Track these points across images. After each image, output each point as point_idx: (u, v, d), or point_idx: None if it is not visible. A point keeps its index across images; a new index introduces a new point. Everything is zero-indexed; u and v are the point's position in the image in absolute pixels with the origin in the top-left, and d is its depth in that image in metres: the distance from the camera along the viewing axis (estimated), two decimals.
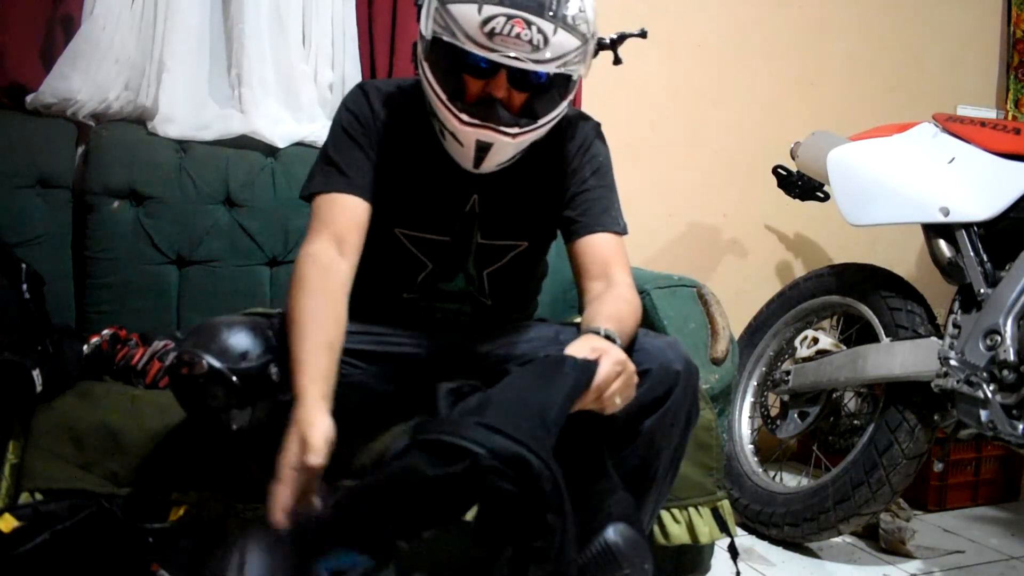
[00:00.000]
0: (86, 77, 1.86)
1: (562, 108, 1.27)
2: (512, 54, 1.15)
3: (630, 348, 1.22)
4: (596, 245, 1.34)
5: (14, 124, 1.84)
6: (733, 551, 1.52)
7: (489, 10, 1.14)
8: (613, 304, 1.24)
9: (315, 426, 1.04)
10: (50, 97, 1.85)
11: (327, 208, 1.29)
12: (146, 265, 1.86)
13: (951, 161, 1.90)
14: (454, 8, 1.16)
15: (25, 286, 1.57)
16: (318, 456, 1.01)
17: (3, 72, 1.84)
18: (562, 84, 1.25)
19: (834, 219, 2.06)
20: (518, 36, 1.14)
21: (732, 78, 2.62)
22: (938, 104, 2.61)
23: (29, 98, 1.85)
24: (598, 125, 1.44)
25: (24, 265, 1.60)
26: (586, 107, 2.30)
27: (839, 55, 2.75)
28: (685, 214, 2.60)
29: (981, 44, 2.99)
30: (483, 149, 1.23)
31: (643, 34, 1.39)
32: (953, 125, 1.97)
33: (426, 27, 1.21)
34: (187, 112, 1.95)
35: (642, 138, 2.51)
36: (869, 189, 1.96)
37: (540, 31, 1.15)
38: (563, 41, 1.17)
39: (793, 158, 2.26)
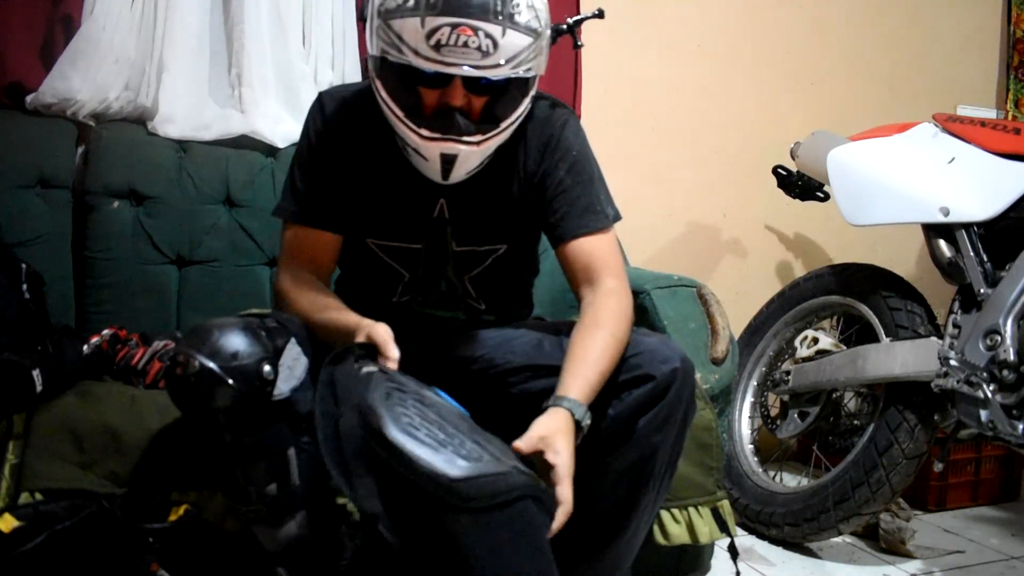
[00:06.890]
0: (86, 77, 1.86)
1: (524, 106, 1.24)
2: (463, 63, 1.11)
3: (618, 369, 1.20)
4: (578, 250, 1.30)
5: (14, 124, 1.84)
6: (733, 551, 1.52)
7: (432, 21, 1.09)
8: (598, 340, 1.19)
9: (375, 326, 1.12)
10: (50, 97, 1.85)
11: (302, 238, 1.33)
12: (146, 265, 1.86)
13: (951, 161, 1.90)
14: (397, 23, 1.12)
15: (25, 286, 1.57)
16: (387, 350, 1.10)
17: (3, 72, 1.84)
18: (521, 83, 1.21)
19: (834, 219, 2.06)
20: (466, 44, 1.10)
21: (732, 78, 2.62)
22: (938, 104, 2.60)
23: (29, 98, 1.85)
24: (568, 113, 1.37)
25: (24, 265, 1.60)
26: (586, 107, 2.30)
27: (839, 55, 2.75)
28: (685, 214, 2.60)
29: (981, 44, 2.98)
30: (449, 161, 1.20)
31: (600, 14, 1.34)
32: (953, 125, 1.97)
33: (373, 45, 1.18)
34: (187, 112, 1.94)
35: (642, 138, 2.51)
36: (869, 189, 1.96)
37: (488, 35, 1.10)
38: (514, 41, 1.13)
39: (793, 158, 2.26)
